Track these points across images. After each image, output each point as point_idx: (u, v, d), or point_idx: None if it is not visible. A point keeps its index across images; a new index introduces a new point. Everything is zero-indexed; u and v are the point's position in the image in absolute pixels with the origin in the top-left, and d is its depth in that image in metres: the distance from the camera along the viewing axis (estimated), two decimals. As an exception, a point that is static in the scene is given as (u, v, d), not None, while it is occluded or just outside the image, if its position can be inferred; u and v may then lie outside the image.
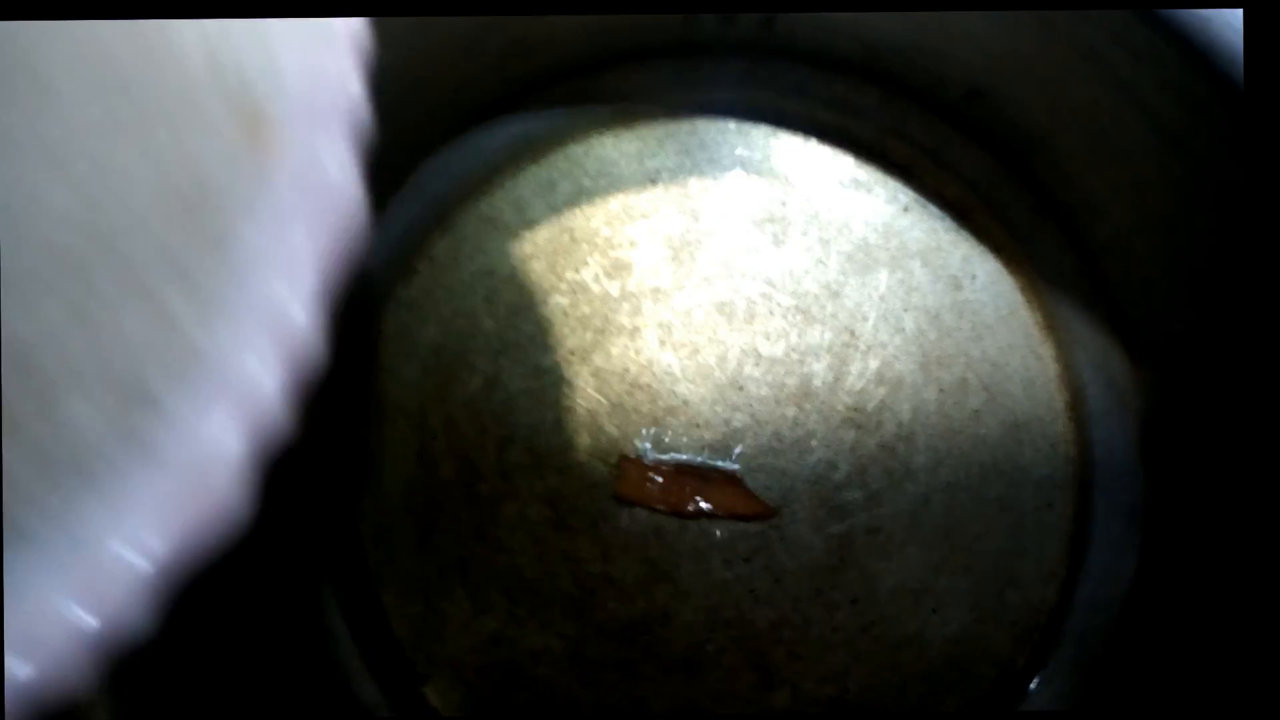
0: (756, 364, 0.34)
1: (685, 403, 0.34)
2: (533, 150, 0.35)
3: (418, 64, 0.28)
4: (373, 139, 0.16)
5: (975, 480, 0.34)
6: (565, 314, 0.34)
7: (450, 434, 0.34)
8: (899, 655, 0.33)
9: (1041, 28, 0.27)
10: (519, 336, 0.34)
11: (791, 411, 0.34)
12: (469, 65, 0.29)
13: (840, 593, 0.33)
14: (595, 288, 0.35)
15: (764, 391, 0.34)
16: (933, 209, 0.35)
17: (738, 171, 0.35)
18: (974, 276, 0.35)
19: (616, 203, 0.35)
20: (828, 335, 0.34)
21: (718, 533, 0.34)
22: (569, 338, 0.34)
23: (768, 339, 0.34)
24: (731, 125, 0.35)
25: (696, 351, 0.34)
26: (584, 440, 0.34)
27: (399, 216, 0.34)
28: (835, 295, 0.34)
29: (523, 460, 0.34)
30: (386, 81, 0.28)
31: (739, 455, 0.34)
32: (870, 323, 0.34)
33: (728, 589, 0.34)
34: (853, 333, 0.34)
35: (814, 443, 0.34)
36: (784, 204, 0.35)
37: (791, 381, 0.34)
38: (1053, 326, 0.34)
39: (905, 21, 0.30)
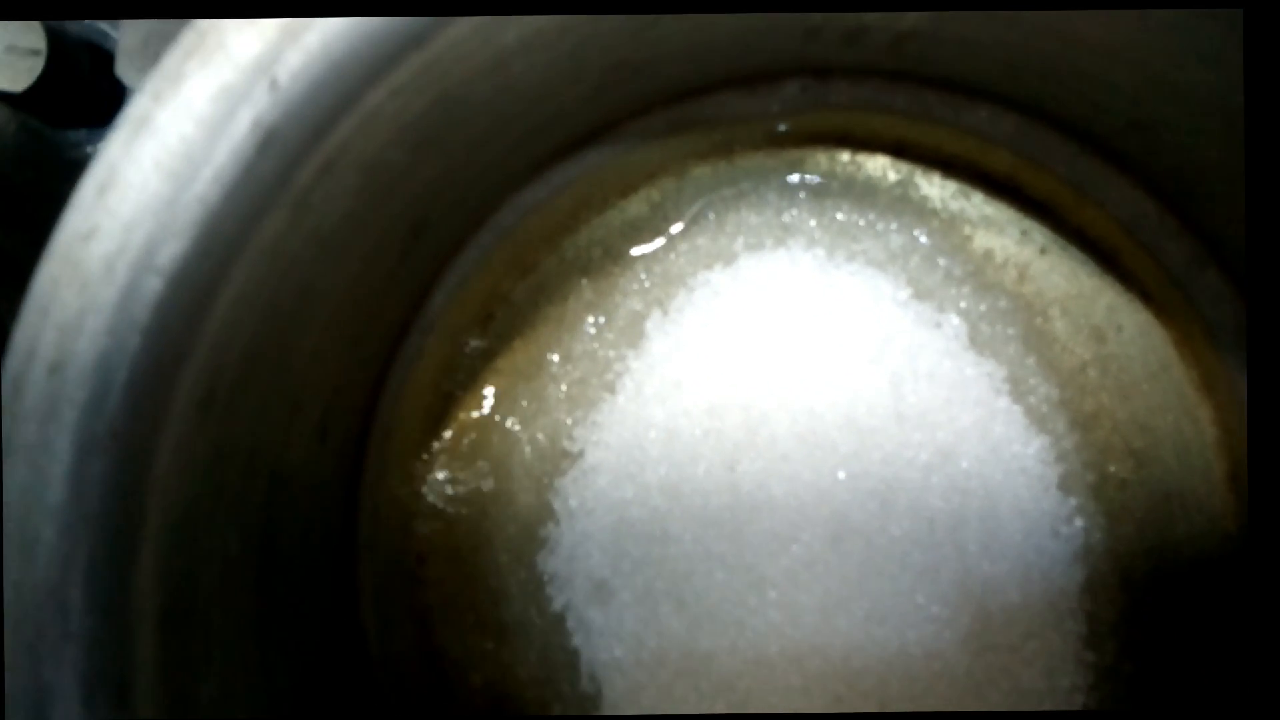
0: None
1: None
2: (624, 184, 0.31)
3: (508, 97, 0.24)
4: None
5: (1121, 560, 0.30)
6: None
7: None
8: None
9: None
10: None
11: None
12: (566, 92, 0.26)
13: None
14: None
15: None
16: (1074, 252, 0.31)
17: (849, 208, 0.31)
18: (1120, 328, 0.31)
19: (713, 245, 0.31)
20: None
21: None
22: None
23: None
24: (845, 156, 0.31)
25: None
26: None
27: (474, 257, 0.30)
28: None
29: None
30: (475, 115, 0.25)
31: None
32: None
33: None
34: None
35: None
36: (900, 245, 0.31)
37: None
38: (1210, 386, 0.30)
39: (1063, 41, 0.26)
